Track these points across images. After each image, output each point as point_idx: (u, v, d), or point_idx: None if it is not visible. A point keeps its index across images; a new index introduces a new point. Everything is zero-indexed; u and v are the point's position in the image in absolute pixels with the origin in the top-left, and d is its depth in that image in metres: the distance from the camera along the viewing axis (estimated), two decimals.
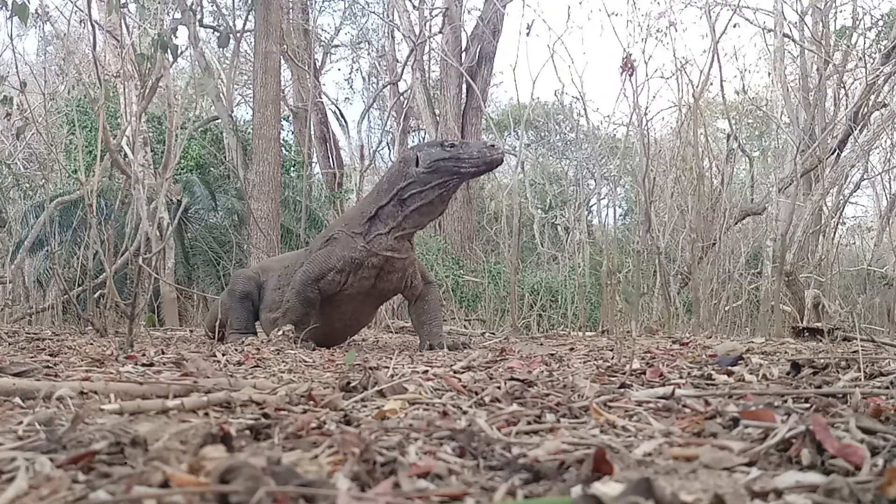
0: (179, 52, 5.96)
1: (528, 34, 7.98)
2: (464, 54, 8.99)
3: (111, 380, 1.44)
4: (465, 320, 7.30)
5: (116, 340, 3.10)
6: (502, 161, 3.18)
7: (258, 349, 2.90)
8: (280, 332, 3.31)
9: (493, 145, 3.14)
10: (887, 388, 1.41)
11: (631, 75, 6.67)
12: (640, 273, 6.90)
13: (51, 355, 2.31)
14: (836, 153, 7.83)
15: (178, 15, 6.23)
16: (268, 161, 7.30)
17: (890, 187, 10.40)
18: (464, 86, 9.00)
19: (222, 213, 9.59)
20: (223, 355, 2.47)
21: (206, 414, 1.19)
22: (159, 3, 6.46)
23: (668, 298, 5.91)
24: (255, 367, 2.21)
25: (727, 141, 7.78)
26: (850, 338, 3.02)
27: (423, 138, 12.07)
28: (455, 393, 1.46)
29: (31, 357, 2.21)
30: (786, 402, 1.23)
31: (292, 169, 10.61)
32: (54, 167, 9.09)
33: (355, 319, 3.63)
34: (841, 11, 9.45)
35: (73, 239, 6.74)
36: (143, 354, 2.34)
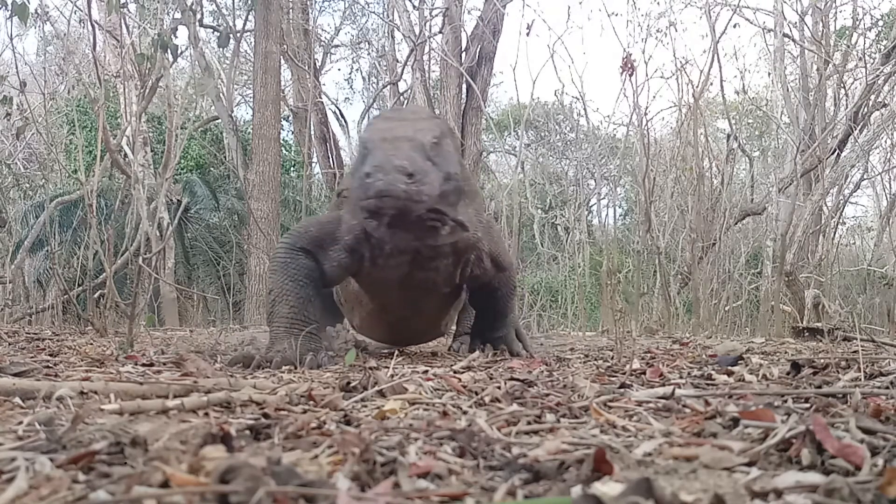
0: (179, 52, 5.97)
1: (528, 34, 7.98)
2: (464, 54, 8.99)
3: (111, 380, 1.44)
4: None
5: (116, 340, 3.10)
6: (388, 195, 1.99)
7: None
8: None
9: (367, 173, 2.00)
10: (887, 388, 1.41)
11: (631, 75, 6.67)
12: (640, 273, 6.90)
13: (51, 355, 2.31)
14: (836, 153, 7.83)
15: (178, 15, 6.23)
16: (268, 161, 7.30)
17: (890, 187, 10.40)
18: (464, 86, 9.00)
19: (222, 213, 9.59)
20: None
21: (206, 414, 1.19)
22: (159, 3, 6.47)
23: (668, 298, 5.91)
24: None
25: (727, 141, 7.78)
26: (850, 338, 3.02)
27: None
28: (455, 393, 1.46)
29: (31, 357, 2.21)
30: (786, 402, 1.23)
31: (292, 169, 10.60)
32: (54, 167, 9.10)
33: (413, 314, 2.74)
34: (841, 11, 9.46)
35: (73, 239, 6.74)
36: (143, 354, 2.34)
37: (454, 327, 3.36)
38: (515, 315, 3.11)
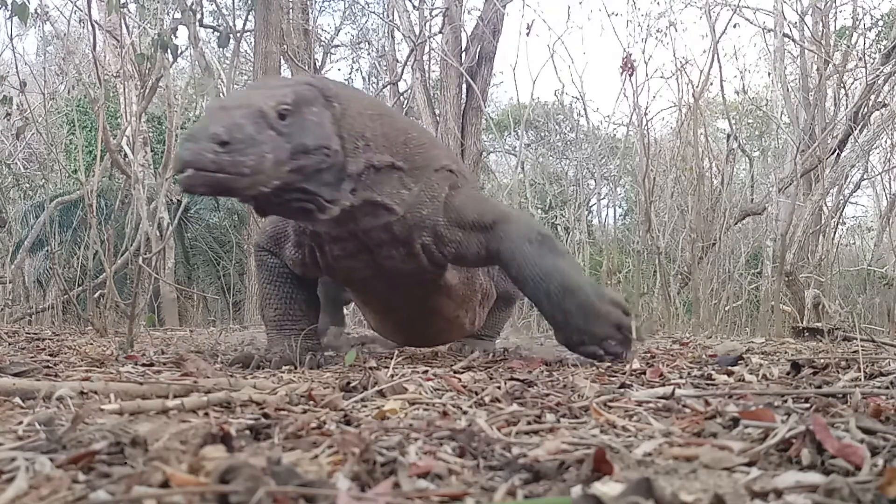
0: (179, 52, 5.96)
1: (528, 34, 7.98)
2: (464, 54, 8.98)
3: (111, 380, 1.44)
4: None
5: (116, 340, 3.10)
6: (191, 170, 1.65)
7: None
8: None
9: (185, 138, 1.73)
10: (887, 388, 1.41)
11: (631, 75, 6.67)
12: (640, 273, 6.90)
13: (51, 355, 2.31)
14: (836, 153, 7.83)
15: (178, 15, 6.22)
16: None
17: (890, 187, 10.39)
18: (464, 86, 8.99)
19: (222, 213, 9.59)
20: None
21: (206, 414, 1.19)
22: (159, 3, 6.46)
23: (668, 298, 5.91)
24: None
25: (727, 141, 7.78)
26: (850, 338, 3.01)
27: None
28: (455, 393, 1.46)
29: (31, 357, 2.21)
30: (786, 402, 1.23)
31: None
32: (54, 167, 9.09)
33: (413, 312, 2.52)
34: (841, 11, 9.45)
35: (73, 239, 6.74)
36: (143, 354, 2.34)
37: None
38: (592, 287, 2.22)
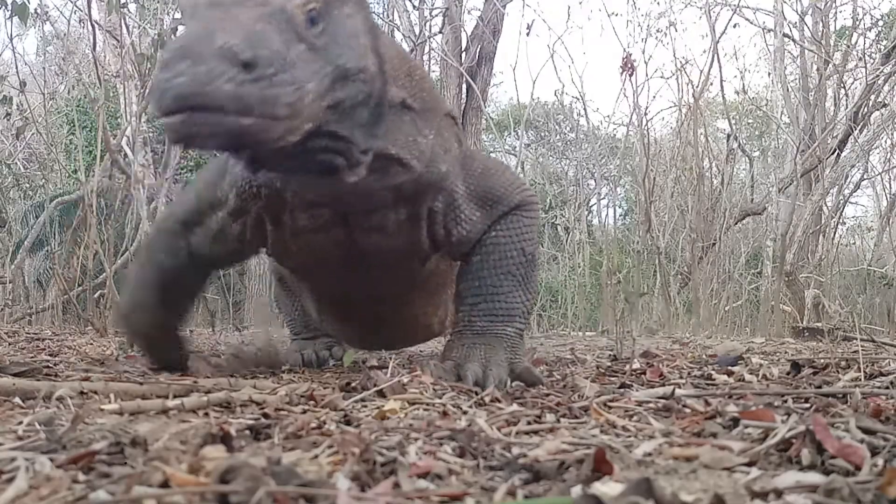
0: None
1: (528, 34, 7.98)
2: (464, 54, 8.98)
3: (111, 380, 1.44)
4: None
5: (116, 340, 3.10)
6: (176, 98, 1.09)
7: None
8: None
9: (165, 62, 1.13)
10: (887, 388, 1.41)
11: (631, 75, 6.67)
12: (640, 273, 6.90)
13: (51, 355, 2.31)
14: (836, 153, 7.83)
15: (178, 15, 6.22)
16: None
17: (890, 187, 10.39)
18: (464, 86, 8.99)
19: None
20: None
21: (206, 414, 1.19)
22: (159, 3, 6.46)
23: (668, 298, 5.91)
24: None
25: (727, 141, 7.79)
26: (850, 338, 3.02)
27: None
28: (455, 393, 1.46)
29: (31, 357, 2.21)
30: (786, 402, 1.23)
31: None
32: (54, 167, 9.09)
33: (384, 307, 2.00)
34: (841, 11, 9.46)
35: (73, 239, 6.74)
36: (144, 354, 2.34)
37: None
38: (527, 307, 1.75)
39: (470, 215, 1.69)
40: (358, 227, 1.64)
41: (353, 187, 1.45)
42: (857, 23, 8.84)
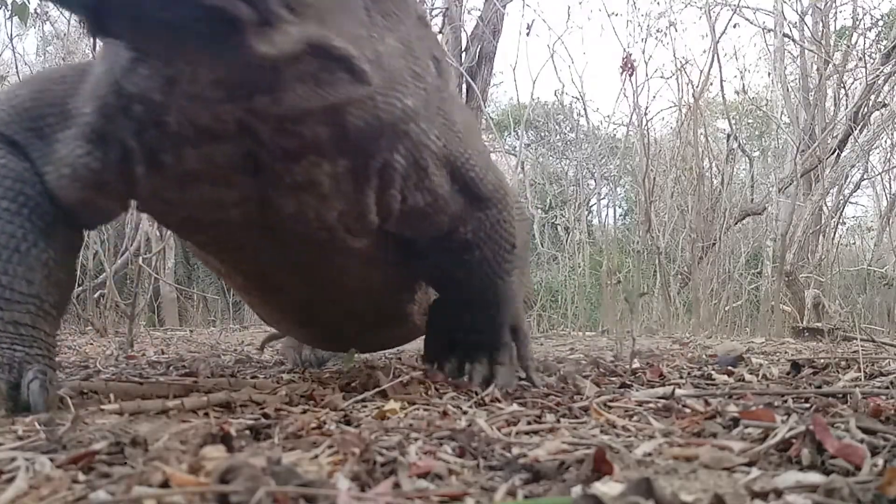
0: None
1: (528, 34, 7.97)
2: (464, 54, 8.98)
3: (111, 380, 1.44)
4: None
5: (116, 340, 3.10)
6: None
7: None
8: None
9: None
10: (887, 388, 1.41)
11: (631, 75, 6.67)
12: (640, 273, 6.90)
13: None
14: (836, 153, 7.83)
15: None
16: None
17: (890, 187, 10.39)
18: (464, 86, 9.00)
19: None
20: None
21: (206, 414, 1.19)
22: None
23: (668, 298, 5.91)
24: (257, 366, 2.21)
25: (727, 141, 7.78)
26: (850, 338, 3.02)
27: None
28: (455, 393, 1.46)
29: None
30: (786, 402, 1.23)
31: None
32: None
33: (321, 295, 1.53)
34: (841, 11, 9.45)
35: None
36: (143, 354, 2.34)
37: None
38: (520, 307, 1.61)
39: (436, 183, 1.25)
40: (275, 180, 1.14)
41: (270, 87, 0.99)
42: (857, 23, 8.84)
